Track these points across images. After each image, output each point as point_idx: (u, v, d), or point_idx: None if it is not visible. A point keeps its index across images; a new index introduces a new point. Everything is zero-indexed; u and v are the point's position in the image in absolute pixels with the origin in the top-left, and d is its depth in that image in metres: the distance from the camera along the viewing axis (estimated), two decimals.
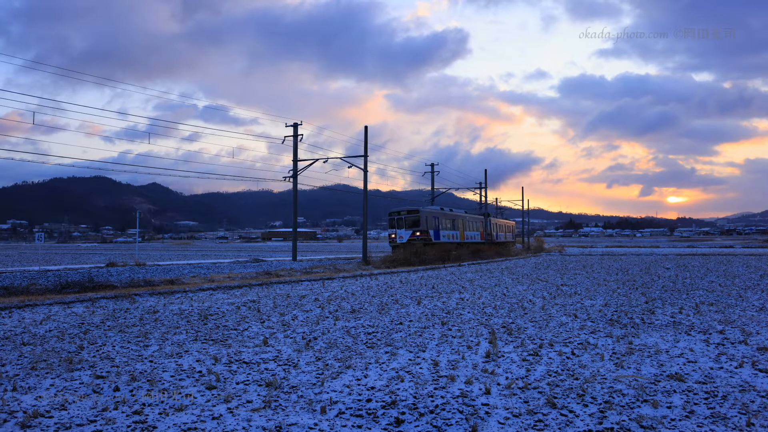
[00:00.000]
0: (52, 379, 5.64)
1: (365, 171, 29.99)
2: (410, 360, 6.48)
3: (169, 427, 4.23)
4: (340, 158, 32.41)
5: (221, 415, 4.51)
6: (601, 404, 4.76)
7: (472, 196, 60.47)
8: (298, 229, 50.95)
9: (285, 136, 35.13)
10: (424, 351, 6.98)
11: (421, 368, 6.06)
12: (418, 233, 38.55)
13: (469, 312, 10.62)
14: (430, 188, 51.65)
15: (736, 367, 6.05)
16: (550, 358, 6.52)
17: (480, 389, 5.22)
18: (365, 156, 29.96)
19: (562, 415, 4.49)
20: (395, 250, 39.04)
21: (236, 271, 21.86)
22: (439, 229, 41.24)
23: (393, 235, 40.03)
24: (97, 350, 7.08)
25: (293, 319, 9.73)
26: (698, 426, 4.24)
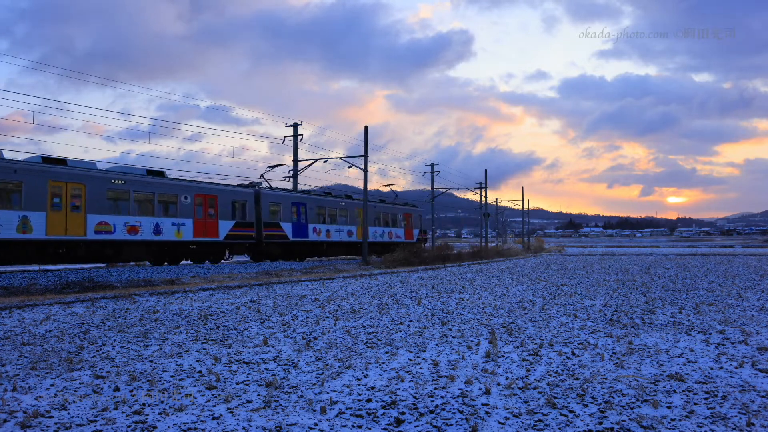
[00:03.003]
0: (52, 379, 5.64)
1: (365, 171, 30.00)
2: (410, 360, 6.48)
3: (169, 427, 4.23)
4: (341, 158, 32.38)
5: (221, 415, 4.51)
6: (601, 404, 4.76)
7: (472, 196, 60.49)
8: None
9: (285, 136, 35.15)
10: (424, 351, 6.97)
11: (421, 368, 6.06)
12: None
13: (469, 312, 10.62)
14: (430, 188, 51.63)
15: (736, 367, 6.05)
16: (550, 358, 6.52)
17: (480, 389, 5.22)
18: (365, 156, 29.96)
19: (562, 415, 4.49)
20: None
21: (236, 271, 21.85)
22: None
23: None
24: (97, 350, 7.08)
25: (293, 319, 9.73)
26: (698, 426, 4.24)
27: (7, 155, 19.32)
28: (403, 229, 39.82)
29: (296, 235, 29.73)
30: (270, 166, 32.89)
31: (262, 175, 31.62)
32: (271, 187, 30.07)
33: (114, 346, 7.32)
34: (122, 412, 4.56)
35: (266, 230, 27.91)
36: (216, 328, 8.84)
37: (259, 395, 5.04)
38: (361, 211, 33.17)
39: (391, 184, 44.65)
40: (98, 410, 4.62)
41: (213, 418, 4.42)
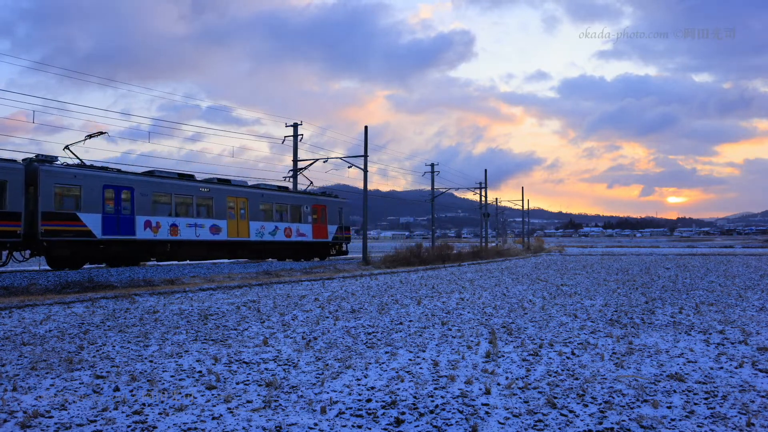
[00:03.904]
0: (52, 379, 5.64)
1: (365, 171, 30.00)
2: (410, 360, 6.48)
3: (169, 427, 4.23)
4: (340, 158, 32.39)
5: (221, 415, 4.51)
6: (601, 404, 4.76)
7: (472, 196, 60.45)
8: None
9: (285, 136, 35.12)
10: (424, 351, 6.97)
11: (421, 368, 6.06)
12: None
13: (469, 312, 10.62)
14: (430, 188, 51.61)
15: (736, 367, 6.05)
16: (550, 358, 6.52)
17: (480, 389, 5.22)
18: (365, 156, 29.96)
19: (562, 415, 4.49)
20: None
21: (236, 271, 21.86)
22: None
23: None
24: (97, 350, 7.08)
25: (293, 319, 9.73)
26: (698, 426, 4.24)
27: (8, 156, 19.19)
28: (311, 225, 30.22)
29: (111, 231, 20.47)
30: (88, 135, 22.70)
31: (67, 147, 21.87)
32: (80, 164, 20.81)
33: (114, 346, 7.32)
34: (122, 412, 4.56)
35: (50, 224, 18.68)
36: (216, 328, 8.84)
37: (259, 395, 5.04)
38: (240, 200, 26.94)
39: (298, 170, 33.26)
40: (98, 410, 4.62)
41: (213, 418, 4.42)
